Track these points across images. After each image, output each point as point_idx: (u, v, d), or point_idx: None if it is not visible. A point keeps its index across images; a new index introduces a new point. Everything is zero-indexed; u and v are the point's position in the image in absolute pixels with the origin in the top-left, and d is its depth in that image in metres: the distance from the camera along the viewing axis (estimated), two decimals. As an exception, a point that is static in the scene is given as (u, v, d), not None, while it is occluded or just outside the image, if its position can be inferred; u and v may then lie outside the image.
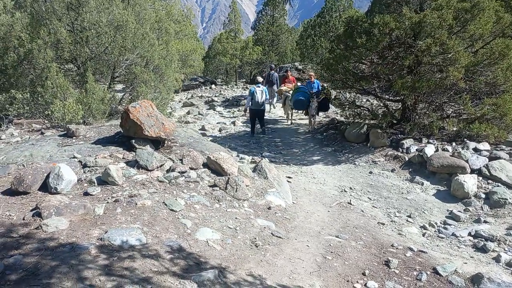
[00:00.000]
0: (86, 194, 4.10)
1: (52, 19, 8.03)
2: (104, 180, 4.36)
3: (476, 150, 7.00)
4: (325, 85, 11.73)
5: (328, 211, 5.51)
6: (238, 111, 15.57)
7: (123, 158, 5.18)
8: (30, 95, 8.00)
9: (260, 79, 11.28)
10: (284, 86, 13.06)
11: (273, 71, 15.09)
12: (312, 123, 11.08)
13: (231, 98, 18.51)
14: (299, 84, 12.83)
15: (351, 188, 6.65)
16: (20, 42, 8.08)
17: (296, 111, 12.55)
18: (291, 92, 11.93)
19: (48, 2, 8.10)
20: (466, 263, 4.15)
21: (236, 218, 4.36)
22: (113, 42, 8.52)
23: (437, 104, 8.41)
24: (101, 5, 8.41)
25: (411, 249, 4.36)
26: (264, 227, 4.37)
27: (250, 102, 10.23)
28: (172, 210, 4.02)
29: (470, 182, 5.97)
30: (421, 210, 5.80)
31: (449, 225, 5.27)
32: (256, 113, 10.50)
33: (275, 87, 14.27)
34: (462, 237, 4.87)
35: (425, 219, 5.54)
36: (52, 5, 8.04)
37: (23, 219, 3.45)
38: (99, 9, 8.36)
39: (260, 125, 10.84)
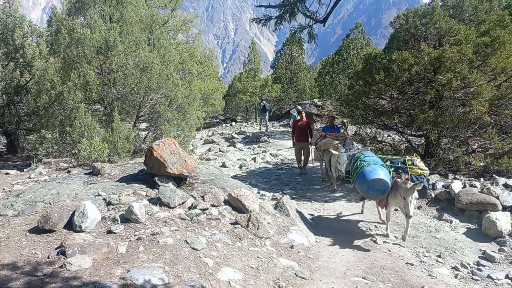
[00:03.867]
0: (109, 232, 4.12)
1: (82, 62, 8.51)
2: (127, 218, 4.38)
3: (506, 186, 6.71)
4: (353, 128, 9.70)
5: (353, 251, 5.32)
6: (258, 147, 15.68)
7: (146, 195, 5.24)
8: (59, 134, 8.33)
9: (300, 108, 13.93)
10: (327, 137, 8.81)
11: (264, 102, 21.13)
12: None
13: (251, 135, 18.73)
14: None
15: (376, 226, 6.43)
16: (52, 85, 8.55)
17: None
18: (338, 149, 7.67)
19: (80, 47, 8.62)
20: (505, 308, 3.87)
21: (258, 257, 4.27)
22: (139, 83, 8.90)
23: (462, 138, 8.23)
24: (128, 49, 8.88)
25: (443, 292, 4.12)
26: (287, 267, 4.24)
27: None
28: (193, 248, 3.98)
29: (503, 220, 5.68)
30: (452, 249, 5.51)
31: (483, 266, 4.97)
32: None
33: (267, 113, 20.45)
34: (499, 280, 4.56)
35: (456, 259, 5.25)
36: (83, 49, 8.54)
37: (48, 257, 3.48)
38: (126, 52, 8.82)
39: None
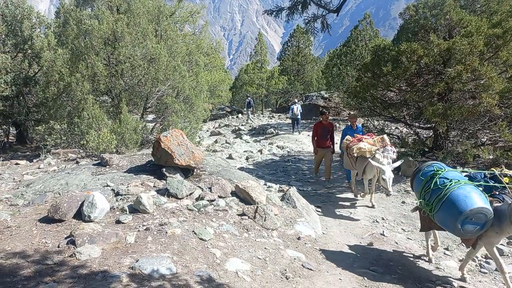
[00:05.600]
0: (118, 222, 4.16)
1: (90, 53, 8.51)
2: (136, 208, 4.42)
3: (516, 179, 6.63)
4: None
5: (360, 243, 5.32)
6: (264, 139, 15.67)
7: (154, 186, 5.27)
8: (67, 125, 8.39)
9: (296, 100, 18.39)
10: (362, 142, 7.03)
11: (249, 98, 22.58)
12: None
13: (257, 127, 18.71)
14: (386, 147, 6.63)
15: (383, 219, 6.42)
16: (61, 76, 8.58)
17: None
18: (376, 157, 6.45)
19: (87, 38, 8.61)
20: (513, 301, 3.84)
21: (265, 248, 4.29)
22: (146, 75, 8.89)
23: (471, 131, 8.14)
24: (136, 40, 8.86)
25: (451, 285, 4.11)
26: (294, 258, 4.25)
27: (291, 113, 16.43)
28: (201, 239, 4.01)
29: (512, 213, 5.61)
30: (459, 242, 5.48)
31: (492, 259, 4.94)
32: (294, 119, 16.54)
33: (251, 108, 22.35)
34: (508, 274, 4.53)
35: (464, 252, 5.22)
36: (91, 41, 8.54)
37: (58, 247, 3.53)
38: (134, 43, 8.80)
39: (297, 126, 16.64)
